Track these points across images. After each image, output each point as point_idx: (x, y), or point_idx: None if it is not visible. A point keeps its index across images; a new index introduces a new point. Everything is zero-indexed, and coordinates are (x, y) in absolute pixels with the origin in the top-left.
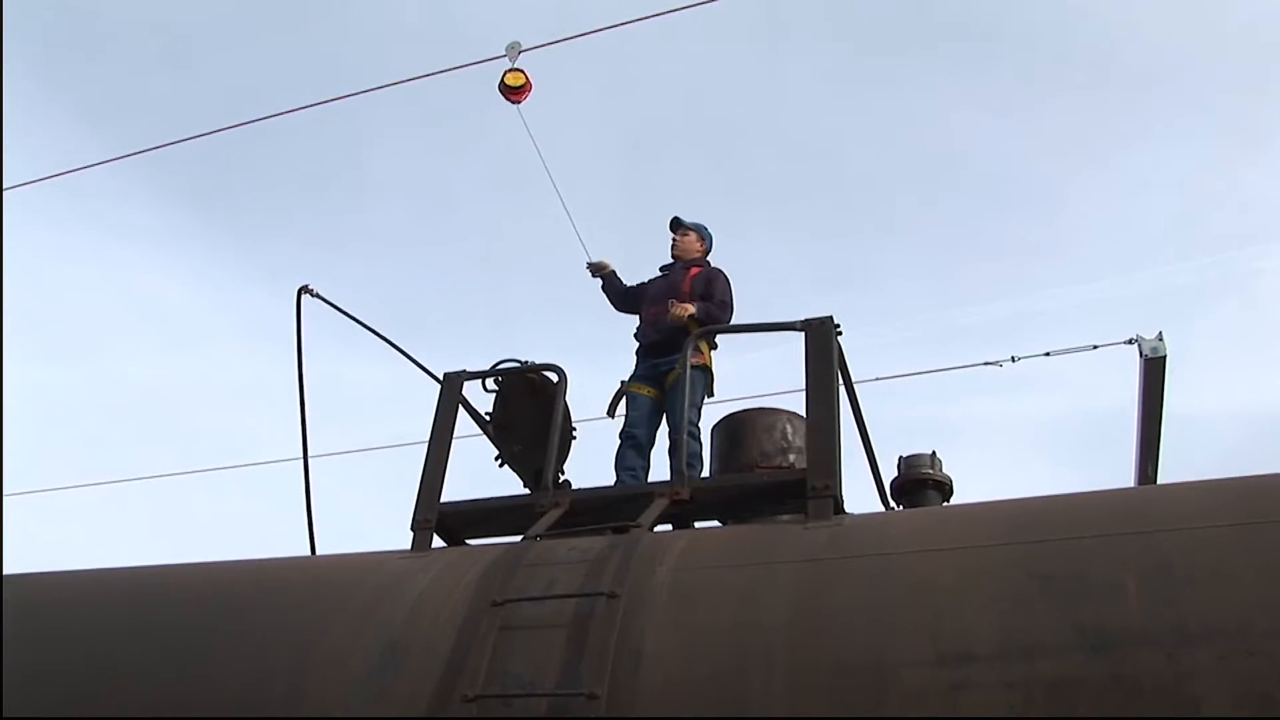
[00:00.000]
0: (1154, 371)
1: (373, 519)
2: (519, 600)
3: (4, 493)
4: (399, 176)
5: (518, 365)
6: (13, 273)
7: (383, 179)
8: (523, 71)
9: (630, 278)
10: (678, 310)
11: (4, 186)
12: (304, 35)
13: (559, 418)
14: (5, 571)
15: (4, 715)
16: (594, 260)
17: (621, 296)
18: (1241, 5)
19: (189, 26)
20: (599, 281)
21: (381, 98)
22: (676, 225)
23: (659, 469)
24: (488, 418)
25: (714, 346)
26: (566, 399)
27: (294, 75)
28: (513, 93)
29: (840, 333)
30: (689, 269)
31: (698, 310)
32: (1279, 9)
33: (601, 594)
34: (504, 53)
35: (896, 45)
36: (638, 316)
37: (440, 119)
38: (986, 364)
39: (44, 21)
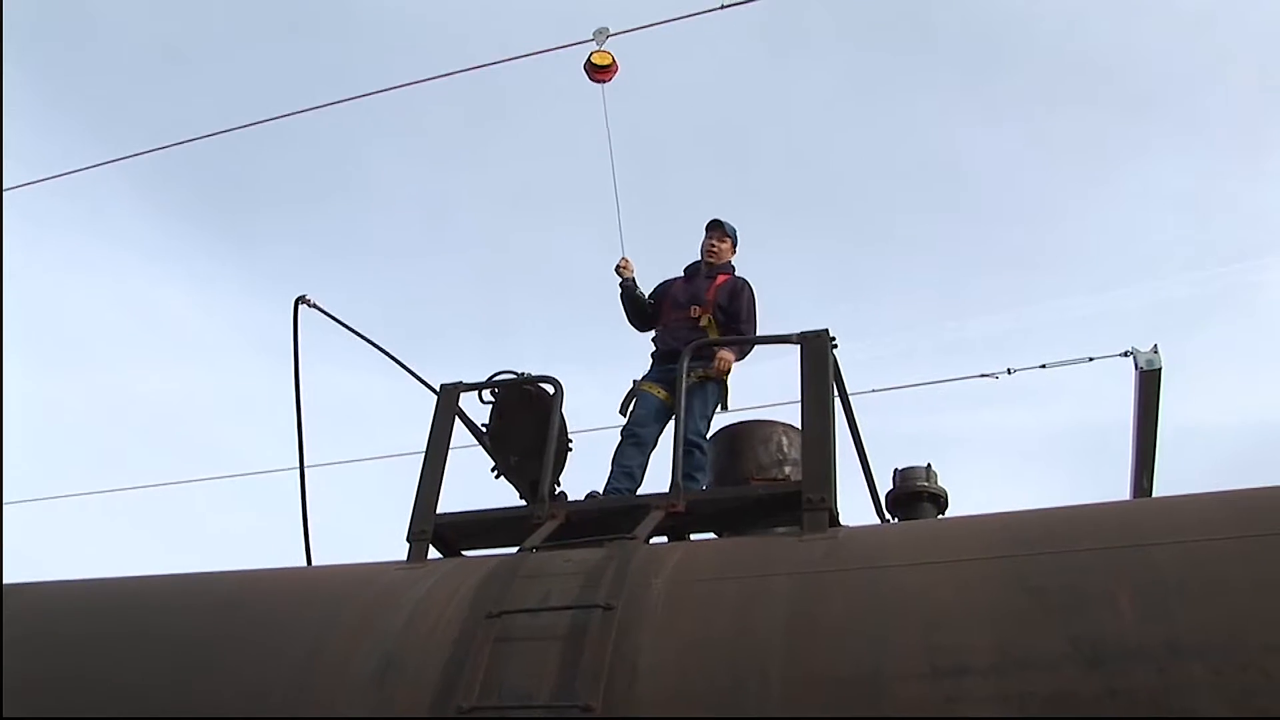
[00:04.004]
0: (1149, 384)
1: (370, 530)
2: (515, 612)
3: (3, 502)
4: (400, 186)
5: (514, 377)
6: (10, 279)
7: (384, 189)
8: (609, 53)
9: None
10: (721, 366)
11: (3, 188)
12: (309, 43)
13: (555, 429)
14: (4, 580)
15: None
16: (623, 259)
17: (641, 315)
18: (1239, 24)
19: (194, 31)
20: (619, 290)
21: (382, 107)
22: (716, 228)
23: (659, 476)
24: (484, 429)
25: (741, 358)
26: (563, 410)
27: (298, 84)
28: (599, 71)
29: (836, 346)
30: (715, 276)
31: (733, 352)
32: (1276, 28)
33: (597, 606)
34: (590, 37)
35: (899, 59)
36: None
37: (441, 129)
38: (983, 376)
39: (42, 24)
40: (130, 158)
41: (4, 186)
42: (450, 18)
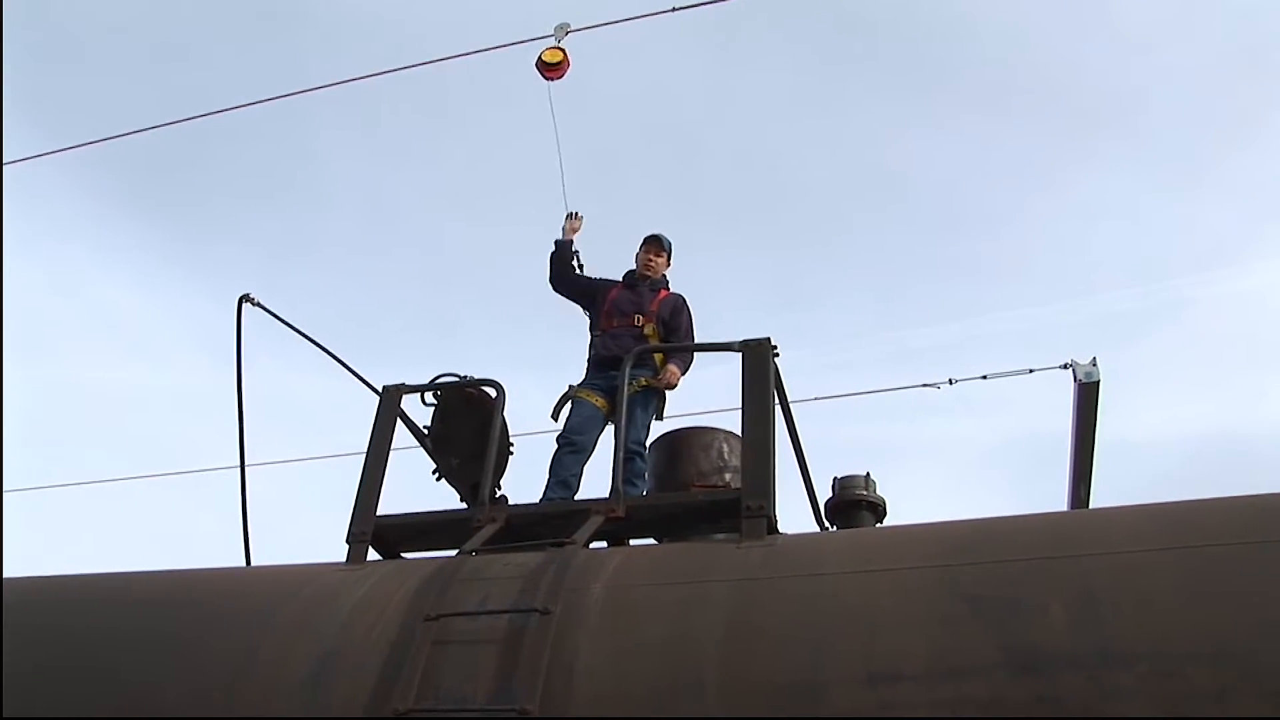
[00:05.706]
0: (1088, 396)
1: (310, 530)
2: (453, 615)
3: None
4: (348, 187)
5: (457, 379)
6: None
7: (332, 189)
8: (562, 49)
9: None
10: (670, 379)
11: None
12: (263, 41)
13: (497, 432)
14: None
15: None
16: (576, 216)
17: (568, 281)
18: (1182, 43)
19: (144, 22)
20: (555, 247)
21: (331, 103)
22: (654, 242)
23: (597, 482)
24: (426, 431)
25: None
26: (505, 414)
27: (247, 78)
28: (549, 69)
29: (778, 354)
30: (657, 290)
31: (679, 367)
32: (1217, 49)
33: (535, 610)
34: (551, 32)
35: (849, 66)
36: (586, 314)
37: (390, 129)
38: (925, 386)
39: None
40: (74, 148)
41: None
42: (403, 15)
